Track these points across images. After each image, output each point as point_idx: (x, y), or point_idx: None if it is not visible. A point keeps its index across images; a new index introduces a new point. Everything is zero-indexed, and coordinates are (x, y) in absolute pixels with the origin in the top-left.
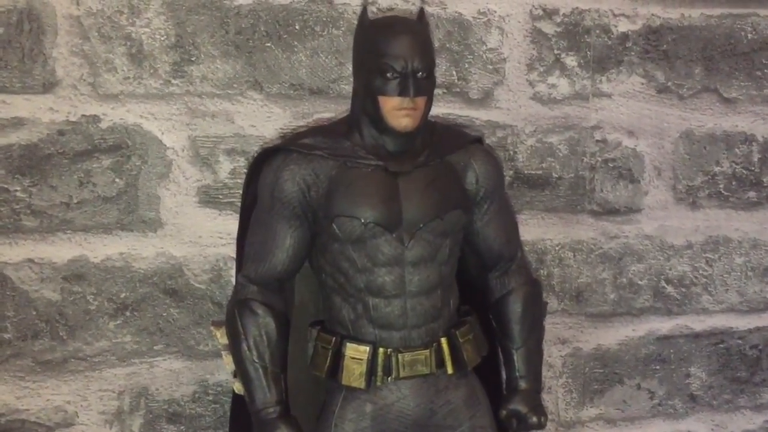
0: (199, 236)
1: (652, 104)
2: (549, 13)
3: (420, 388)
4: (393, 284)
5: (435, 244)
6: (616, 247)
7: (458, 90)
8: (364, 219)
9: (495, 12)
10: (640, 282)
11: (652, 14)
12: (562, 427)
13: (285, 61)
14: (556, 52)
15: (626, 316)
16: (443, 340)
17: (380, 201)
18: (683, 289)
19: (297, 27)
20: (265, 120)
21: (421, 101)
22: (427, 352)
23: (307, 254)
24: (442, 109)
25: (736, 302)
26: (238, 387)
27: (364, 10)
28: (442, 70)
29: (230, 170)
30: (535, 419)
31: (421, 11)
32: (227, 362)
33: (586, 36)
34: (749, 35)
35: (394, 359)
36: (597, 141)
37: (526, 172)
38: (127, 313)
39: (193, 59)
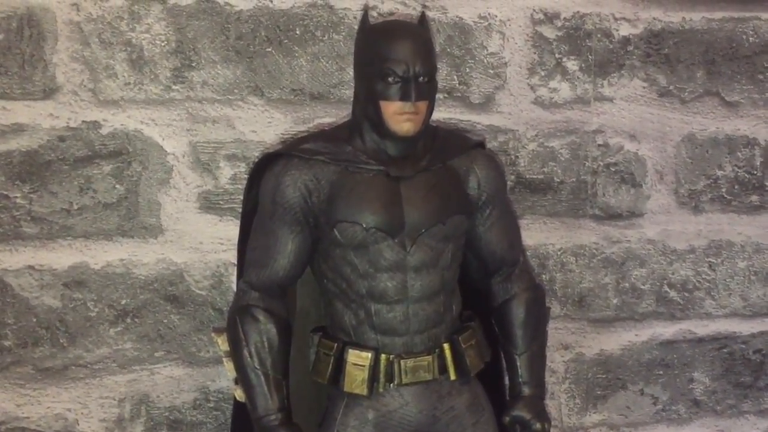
0: (200, 242)
1: (654, 108)
2: (550, 17)
3: (422, 394)
4: (395, 290)
5: (437, 249)
6: (618, 251)
7: (459, 95)
8: (366, 224)
9: (496, 16)
10: (642, 287)
11: (654, 18)
12: None
13: (286, 66)
14: (557, 56)
15: (629, 321)
16: (446, 346)
17: (382, 206)
18: (686, 294)
19: (298, 32)
20: (266, 125)
21: (422, 106)
22: (429, 358)
23: (308, 260)
24: (443, 113)
25: (739, 307)
26: (239, 394)
27: (365, 15)
28: (443, 74)
29: (231, 176)
30: (538, 425)
31: (423, 15)
32: (229, 369)
33: (587, 40)
34: (751, 39)
35: (396, 365)
36: (599, 145)
37: (527, 176)
38: (128, 320)
39: (193, 65)
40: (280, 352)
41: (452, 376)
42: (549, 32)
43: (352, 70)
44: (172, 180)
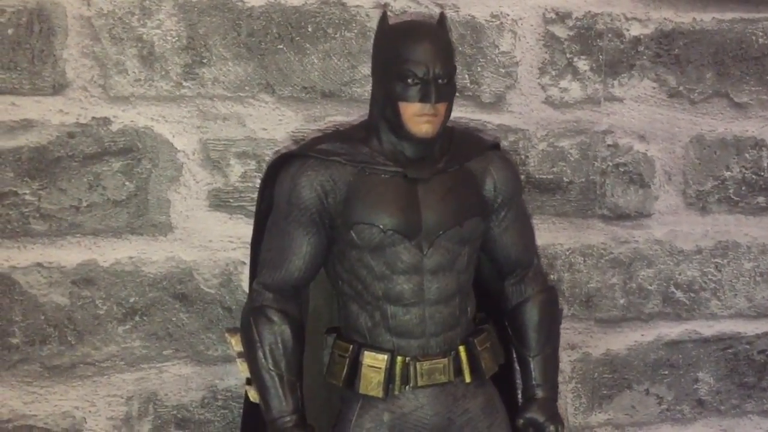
0: (210, 240)
1: (664, 109)
2: (562, 17)
3: (438, 396)
4: (411, 292)
5: (454, 251)
6: (626, 252)
7: (470, 94)
8: (383, 226)
9: (508, 15)
10: (649, 287)
11: (665, 18)
12: None
13: (297, 64)
14: (568, 55)
15: (635, 321)
16: (461, 348)
17: (399, 208)
18: (692, 295)
19: (309, 29)
20: (277, 123)
21: (441, 107)
22: (445, 360)
23: (323, 261)
24: (454, 112)
25: (745, 307)
26: (253, 395)
27: (384, 15)
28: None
29: (241, 174)
30: (552, 428)
31: (442, 16)
32: (242, 369)
33: (598, 40)
34: (760, 40)
35: (412, 368)
36: (608, 145)
37: (537, 176)
38: (137, 318)
39: (204, 61)
40: (294, 354)
41: (467, 379)
42: (560, 32)
43: (367, 69)
44: (182, 177)
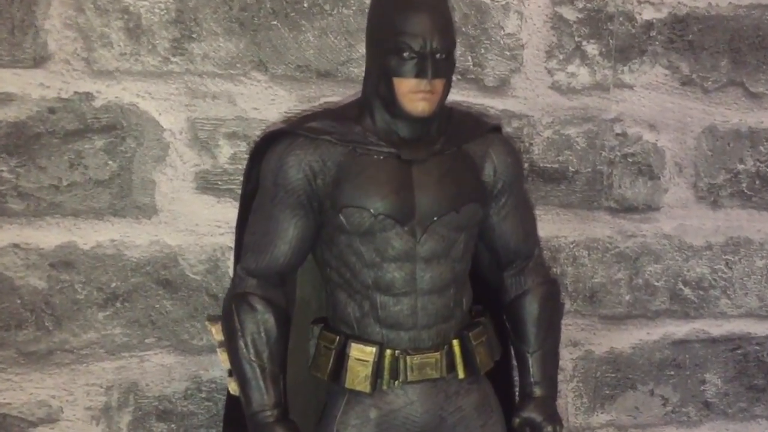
0: (196, 224)
1: (675, 97)
2: None
3: (429, 393)
4: (403, 281)
5: (449, 239)
6: (632, 246)
7: (473, 77)
8: (374, 210)
9: None
10: (656, 283)
11: (679, 2)
12: None
13: (291, 41)
14: (576, 39)
15: (641, 318)
16: (455, 342)
17: (392, 191)
18: (701, 292)
19: (305, 5)
20: (269, 103)
21: (439, 84)
22: (437, 354)
23: (311, 246)
24: (455, 96)
25: (755, 307)
26: (233, 387)
27: None
28: (456, 55)
29: (230, 155)
30: (550, 428)
31: None
32: (223, 360)
33: (608, 23)
34: None
35: (401, 362)
36: (617, 134)
37: (541, 165)
38: (118, 304)
39: (194, 36)
40: (277, 344)
41: (461, 375)
42: (569, 14)
43: (364, 44)
44: (168, 158)
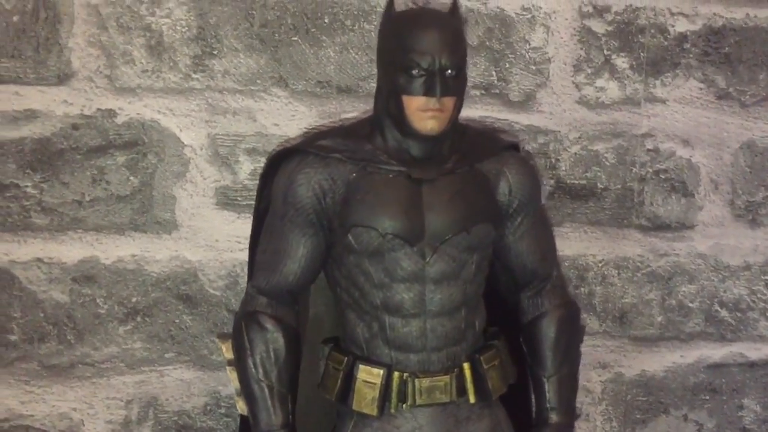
0: (216, 240)
1: (711, 111)
2: (600, 11)
3: (438, 417)
4: (412, 302)
5: (460, 259)
6: (665, 265)
7: (497, 91)
8: (383, 230)
9: (540, 8)
10: (690, 304)
11: (714, 14)
12: None
13: (312, 57)
14: (606, 52)
15: (674, 340)
16: (465, 366)
17: (401, 211)
18: (738, 314)
19: (326, 20)
20: (289, 119)
21: (448, 102)
22: (447, 378)
23: (321, 265)
24: (479, 111)
25: None
26: (241, 406)
27: (391, 1)
28: (480, 69)
29: (250, 171)
30: None
31: (454, 3)
32: (232, 378)
33: (639, 36)
34: None
35: (410, 384)
36: (648, 150)
37: (568, 181)
38: (138, 319)
39: (215, 53)
40: (286, 364)
41: (471, 399)
42: (598, 26)
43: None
44: (189, 173)
